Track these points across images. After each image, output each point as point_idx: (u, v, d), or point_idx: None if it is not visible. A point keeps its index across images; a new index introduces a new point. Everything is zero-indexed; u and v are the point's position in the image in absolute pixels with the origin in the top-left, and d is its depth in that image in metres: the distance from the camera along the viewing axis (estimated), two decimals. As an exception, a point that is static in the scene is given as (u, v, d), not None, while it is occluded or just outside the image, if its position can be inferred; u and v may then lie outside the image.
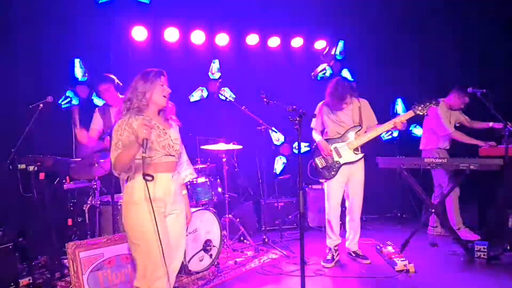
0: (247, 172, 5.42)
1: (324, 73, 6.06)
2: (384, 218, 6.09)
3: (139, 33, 5.23)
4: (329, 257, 4.08)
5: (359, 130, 4.05)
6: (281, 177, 5.92)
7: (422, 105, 3.92)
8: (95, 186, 3.75)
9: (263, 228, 5.17)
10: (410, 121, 6.09)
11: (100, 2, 4.96)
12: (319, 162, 4.11)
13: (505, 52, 5.37)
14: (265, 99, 3.65)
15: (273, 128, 5.62)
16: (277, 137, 6.12)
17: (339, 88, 3.97)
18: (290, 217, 5.54)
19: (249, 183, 5.28)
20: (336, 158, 4.06)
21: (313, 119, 4.23)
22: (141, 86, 2.36)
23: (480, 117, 4.77)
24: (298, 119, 2.60)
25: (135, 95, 2.36)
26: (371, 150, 5.49)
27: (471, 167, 4.12)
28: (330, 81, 4.12)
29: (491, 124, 4.63)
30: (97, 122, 3.97)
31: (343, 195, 4.17)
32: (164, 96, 2.41)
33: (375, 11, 5.80)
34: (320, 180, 4.18)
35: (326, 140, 4.11)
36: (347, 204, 4.20)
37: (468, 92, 4.67)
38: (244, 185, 5.22)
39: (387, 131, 4.16)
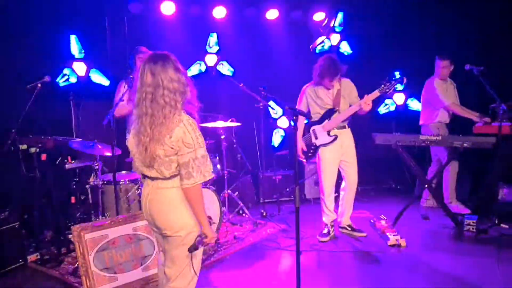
0: (245, 147, 5.50)
1: (323, 46, 6.01)
2: (380, 189, 6.26)
3: (135, 6, 5.14)
4: (325, 231, 4.25)
5: (335, 112, 4.12)
6: (279, 153, 6.02)
7: (388, 83, 3.93)
8: (97, 166, 3.83)
9: (262, 201, 5.35)
10: (408, 95, 6.20)
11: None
12: (303, 142, 4.27)
13: (505, 32, 5.31)
14: (263, 92, 3.65)
15: (271, 104, 5.69)
16: (275, 110, 6.16)
17: (331, 67, 3.96)
18: (287, 190, 5.69)
19: (248, 158, 5.37)
20: (313, 140, 4.22)
21: (301, 102, 4.30)
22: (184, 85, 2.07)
23: (476, 94, 4.80)
24: (294, 118, 2.67)
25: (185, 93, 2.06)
26: (368, 124, 5.62)
27: (465, 145, 4.22)
28: (320, 58, 4.10)
29: (476, 117, 4.67)
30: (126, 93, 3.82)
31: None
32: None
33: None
34: (300, 159, 4.32)
35: (309, 123, 4.24)
36: (342, 184, 4.32)
37: (446, 57, 4.75)
38: (242, 160, 5.31)
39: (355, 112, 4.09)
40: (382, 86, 3.95)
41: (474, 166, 5.11)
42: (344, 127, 4.17)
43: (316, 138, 4.19)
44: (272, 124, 6.20)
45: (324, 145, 4.15)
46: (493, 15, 5.36)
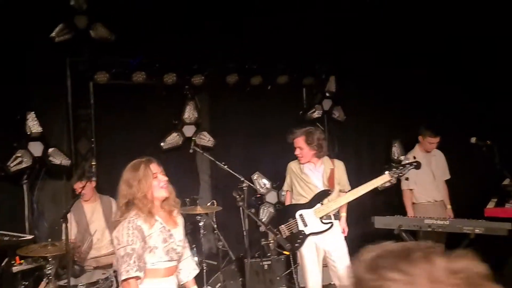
0: (228, 232, 5.29)
1: (313, 112, 6.01)
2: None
3: (102, 76, 5.11)
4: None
5: (329, 195, 3.90)
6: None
7: (401, 167, 3.83)
8: (49, 269, 3.58)
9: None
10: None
11: (56, 41, 4.81)
12: (283, 230, 3.94)
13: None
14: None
15: (255, 179, 5.58)
16: (263, 183, 6.02)
17: (315, 137, 3.89)
18: (278, 278, 5.41)
19: (233, 244, 5.14)
20: (301, 227, 3.88)
21: (286, 180, 4.16)
22: (135, 188, 2.36)
23: (485, 169, 4.72)
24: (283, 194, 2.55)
25: (133, 198, 2.37)
26: (368, 203, 5.48)
27: (476, 231, 4.06)
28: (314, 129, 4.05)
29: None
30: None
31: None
32: (162, 187, 2.43)
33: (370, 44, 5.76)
34: (284, 252, 4.08)
35: (293, 205, 4.00)
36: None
37: (430, 128, 4.72)
38: (225, 248, 5.08)
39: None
40: (395, 169, 3.83)
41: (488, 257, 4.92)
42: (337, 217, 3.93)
43: (306, 225, 3.89)
44: (258, 199, 6.02)
45: (317, 233, 3.89)
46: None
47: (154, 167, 2.45)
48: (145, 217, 2.35)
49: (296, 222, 3.90)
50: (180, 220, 2.62)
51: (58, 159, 4.80)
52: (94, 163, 4.13)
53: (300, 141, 3.90)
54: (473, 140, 4.45)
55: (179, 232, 2.54)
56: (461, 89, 5.39)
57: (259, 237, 5.78)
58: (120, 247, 2.28)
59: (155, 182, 2.40)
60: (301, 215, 3.91)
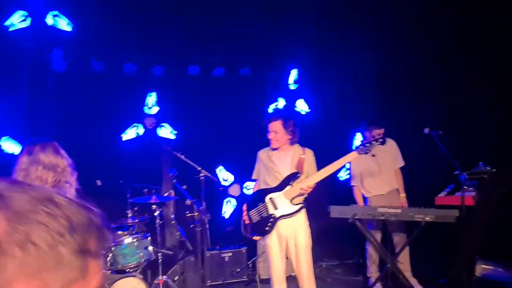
0: (188, 222, 5.35)
1: (277, 105, 6.12)
2: (345, 265, 6.14)
3: (61, 65, 5.14)
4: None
5: (298, 177, 3.88)
6: (229, 228, 5.87)
7: (368, 144, 3.88)
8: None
9: (208, 284, 5.11)
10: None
11: (10, 30, 4.82)
12: (253, 215, 3.94)
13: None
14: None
15: (219, 172, 5.66)
16: (226, 176, 6.10)
17: (291, 122, 3.88)
18: (238, 270, 5.49)
19: (190, 235, 5.21)
20: (271, 211, 3.86)
21: (255, 169, 4.21)
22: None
23: (436, 160, 4.89)
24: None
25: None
26: (327, 193, 5.61)
27: (426, 218, 4.24)
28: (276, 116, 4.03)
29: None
30: None
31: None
32: None
33: (332, 38, 5.92)
34: (254, 238, 4.11)
35: (262, 190, 3.98)
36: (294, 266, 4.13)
37: (374, 122, 4.87)
38: (182, 238, 5.14)
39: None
40: (361, 146, 3.86)
41: (440, 239, 5.11)
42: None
43: (276, 208, 3.86)
44: (221, 192, 6.11)
45: (288, 215, 3.84)
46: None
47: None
48: None
49: (266, 206, 3.87)
50: None
51: (12, 149, 4.81)
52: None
53: (276, 125, 3.87)
54: (426, 130, 4.55)
55: None
56: (417, 82, 5.58)
57: (222, 228, 5.89)
58: None
59: None
60: (271, 198, 3.88)
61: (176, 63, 5.68)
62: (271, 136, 3.90)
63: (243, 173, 5.93)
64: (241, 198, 6.19)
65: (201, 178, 4.71)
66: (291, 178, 3.90)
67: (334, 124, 5.97)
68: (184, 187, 4.73)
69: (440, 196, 4.62)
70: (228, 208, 6.18)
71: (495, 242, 4.61)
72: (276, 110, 3.92)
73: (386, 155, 4.97)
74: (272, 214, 3.86)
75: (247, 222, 3.98)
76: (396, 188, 4.98)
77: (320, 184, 4.09)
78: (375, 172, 4.97)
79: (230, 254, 5.50)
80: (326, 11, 5.63)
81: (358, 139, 6.12)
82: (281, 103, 6.19)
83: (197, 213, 4.11)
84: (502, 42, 4.93)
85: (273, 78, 6.13)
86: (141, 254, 4.30)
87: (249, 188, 5.97)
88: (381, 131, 4.85)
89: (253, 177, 4.23)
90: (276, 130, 3.87)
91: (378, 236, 4.96)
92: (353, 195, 5.11)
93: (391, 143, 4.99)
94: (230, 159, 6.10)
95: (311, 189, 3.85)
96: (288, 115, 4.00)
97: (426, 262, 5.01)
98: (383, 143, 3.96)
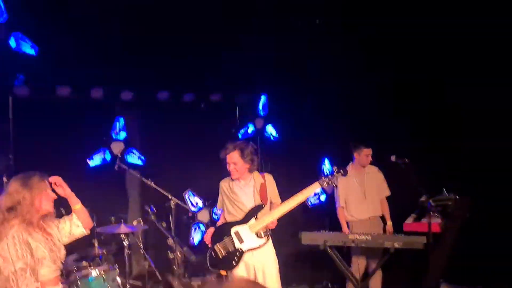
0: (156, 252, 5.25)
1: (246, 129, 6.16)
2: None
3: (22, 90, 4.97)
4: None
5: (262, 208, 3.93)
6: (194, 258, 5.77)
7: (330, 176, 3.99)
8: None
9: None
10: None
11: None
12: (219, 250, 3.90)
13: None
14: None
15: (187, 197, 5.60)
16: (195, 202, 6.03)
17: (248, 151, 3.94)
18: (207, 298, 5.41)
19: (158, 264, 5.09)
20: (237, 245, 3.86)
21: (218, 199, 4.20)
22: (26, 193, 2.45)
23: (401, 186, 5.04)
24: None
25: (19, 203, 2.44)
26: (299, 218, 5.66)
27: (395, 245, 4.35)
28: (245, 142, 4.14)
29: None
30: None
31: None
32: (50, 201, 2.58)
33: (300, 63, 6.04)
34: (221, 272, 4.09)
35: (227, 223, 3.99)
36: None
37: (362, 142, 5.01)
38: (151, 268, 5.02)
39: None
40: (324, 177, 3.97)
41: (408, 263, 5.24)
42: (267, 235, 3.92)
43: (242, 241, 3.86)
44: (190, 218, 6.03)
45: (254, 249, 3.86)
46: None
47: (47, 183, 2.60)
48: (27, 227, 2.44)
49: (232, 240, 3.87)
50: (52, 231, 2.68)
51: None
52: (5, 180, 3.94)
53: (234, 156, 3.92)
54: (393, 158, 4.70)
55: (56, 240, 2.64)
56: (383, 111, 5.78)
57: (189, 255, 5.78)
58: (8, 265, 2.33)
59: (45, 195, 2.54)
60: (236, 232, 3.89)
61: (145, 88, 5.62)
62: (230, 168, 3.96)
63: (212, 198, 5.89)
64: (210, 224, 6.14)
65: (171, 206, 4.66)
66: (256, 210, 3.94)
67: (303, 150, 6.05)
68: (163, 224, 4.65)
69: (407, 222, 4.77)
70: (197, 235, 6.10)
71: (459, 266, 4.81)
72: (231, 141, 3.98)
73: (372, 182, 5.11)
74: (239, 248, 3.87)
75: (213, 256, 3.93)
76: (379, 215, 5.11)
77: (293, 210, 4.15)
78: (360, 197, 5.08)
79: (199, 282, 5.42)
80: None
81: (327, 164, 6.25)
82: (250, 128, 6.23)
83: (180, 255, 4.01)
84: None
85: (243, 104, 6.18)
86: (109, 286, 4.18)
87: (218, 214, 5.94)
88: (369, 151, 4.98)
89: (218, 207, 4.25)
90: (235, 161, 3.92)
91: (362, 261, 5.00)
92: (338, 217, 5.15)
93: (375, 171, 5.15)
94: (199, 184, 6.05)
95: (276, 224, 3.92)
96: (244, 144, 4.04)
97: None
98: (344, 174, 4.09)
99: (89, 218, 2.90)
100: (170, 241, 4.47)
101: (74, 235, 2.79)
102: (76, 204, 2.80)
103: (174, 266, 4.41)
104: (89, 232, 2.91)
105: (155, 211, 4.23)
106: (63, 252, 2.66)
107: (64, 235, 2.72)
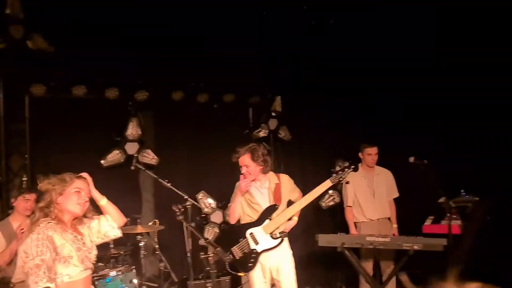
0: (172, 253, 5.23)
1: (259, 131, 6.14)
2: (329, 292, 6.14)
3: (39, 89, 4.97)
4: None
5: (276, 209, 3.94)
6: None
7: (341, 172, 3.98)
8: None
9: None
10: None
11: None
12: (235, 252, 3.94)
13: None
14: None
15: (200, 199, 5.58)
16: (208, 203, 6.02)
17: (259, 153, 3.94)
18: (222, 300, 5.39)
19: (174, 266, 5.07)
20: (252, 246, 3.89)
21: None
22: (55, 194, 2.52)
23: (420, 188, 5.00)
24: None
25: (50, 203, 2.51)
26: (312, 220, 5.64)
27: (415, 247, 4.31)
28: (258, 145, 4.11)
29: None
30: None
31: None
32: (79, 204, 2.57)
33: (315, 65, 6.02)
34: (239, 274, 4.09)
35: (242, 225, 4.01)
36: None
37: (365, 140, 5.03)
38: (167, 270, 5.00)
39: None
40: (334, 175, 3.95)
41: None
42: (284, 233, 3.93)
43: (257, 243, 3.89)
44: (203, 219, 6.01)
45: (269, 249, 3.88)
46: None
47: (80, 183, 2.62)
48: (56, 226, 2.47)
49: (247, 242, 3.90)
50: (85, 231, 2.70)
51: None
52: (25, 179, 3.96)
53: (245, 159, 3.93)
54: (411, 159, 4.67)
55: (87, 237, 2.66)
56: (402, 111, 5.74)
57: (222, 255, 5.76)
58: (28, 260, 2.33)
59: (75, 196, 2.56)
60: (251, 233, 3.92)
61: (159, 88, 5.62)
62: (243, 171, 3.96)
63: (225, 199, 5.87)
64: (224, 225, 6.12)
65: (187, 206, 4.66)
66: (269, 211, 3.95)
67: (316, 151, 6.03)
68: (193, 224, 4.63)
69: (426, 224, 4.73)
70: (210, 235, 6.08)
71: (478, 269, 4.76)
72: (242, 144, 3.98)
73: (381, 184, 5.08)
74: (254, 249, 3.89)
75: (231, 258, 3.94)
76: (387, 217, 5.08)
77: (304, 211, 4.13)
78: (369, 198, 5.05)
79: (211, 283, 5.38)
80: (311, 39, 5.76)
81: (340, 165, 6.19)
82: (263, 129, 6.21)
83: (212, 255, 4.00)
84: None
85: (256, 104, 6.16)
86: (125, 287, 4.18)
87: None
88: (374, 150, 4.95)
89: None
90: (247, 164, 3.93)
91: (370, 264, 4.98)
92: (345, 217, 5.15)
93: (385, 173, 5.12)
94: (212, 185, 6.03)
95: (296, 223, 3.96)
96: (254, 146, 4.03)
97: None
98: (355, 170, 4.07)
99: (120, 213, 2.90)
100: (201, 241, 4.45)
101: (108, 236, 2.81)
102: (101, 200, 2.80)
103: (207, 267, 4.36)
104: (121, 234, 2.93)
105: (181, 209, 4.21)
106: (94, 252, 2.66)
107: (95, 235, 2.72)
